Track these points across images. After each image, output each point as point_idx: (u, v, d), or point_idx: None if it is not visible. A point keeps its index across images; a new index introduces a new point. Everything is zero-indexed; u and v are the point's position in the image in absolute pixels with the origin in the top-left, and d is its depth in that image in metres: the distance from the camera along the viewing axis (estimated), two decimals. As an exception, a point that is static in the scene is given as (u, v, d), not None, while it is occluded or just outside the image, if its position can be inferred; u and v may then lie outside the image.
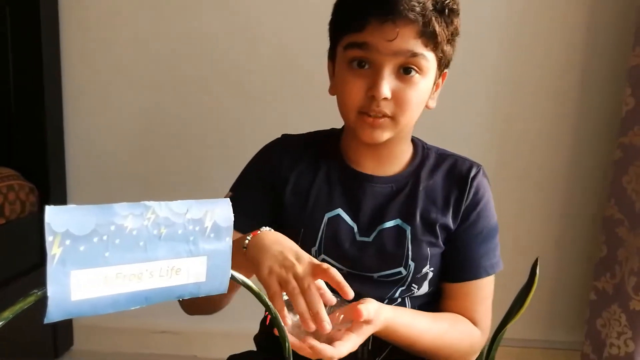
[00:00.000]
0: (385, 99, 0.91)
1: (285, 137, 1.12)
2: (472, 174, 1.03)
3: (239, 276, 0.48)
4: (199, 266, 0.46)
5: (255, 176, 1.07)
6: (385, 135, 0.95)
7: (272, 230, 0.87)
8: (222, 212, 0.46)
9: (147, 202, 0.42)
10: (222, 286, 0.47)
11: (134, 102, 2.04)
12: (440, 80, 1.01)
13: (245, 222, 1.01)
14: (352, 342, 0.80)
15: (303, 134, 1.12)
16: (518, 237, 2.04)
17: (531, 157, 2.02)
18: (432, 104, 1.01)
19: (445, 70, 1.00)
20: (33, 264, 1.79)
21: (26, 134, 1.94)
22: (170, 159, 2.06)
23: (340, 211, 1.01)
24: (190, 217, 0.45)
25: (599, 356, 1.83)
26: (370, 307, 0.83)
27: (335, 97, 1.00)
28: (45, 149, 1.94)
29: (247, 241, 0.84)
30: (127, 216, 0.41)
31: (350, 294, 0.77)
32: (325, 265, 0.78)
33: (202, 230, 0.45)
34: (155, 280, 0.44)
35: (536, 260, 1.59)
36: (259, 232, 0.85)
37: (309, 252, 1.00)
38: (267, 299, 0.50)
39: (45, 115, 1.92)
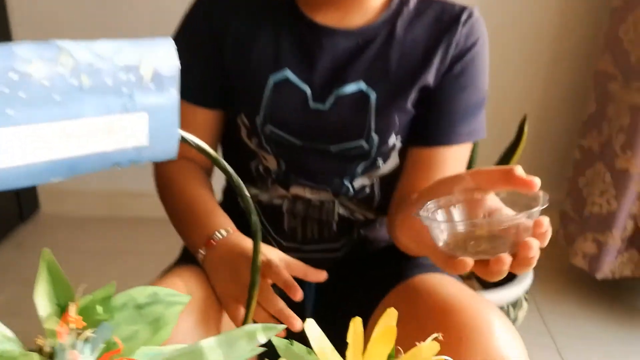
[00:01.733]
0: None
1: None
2: (463, 17, 0.85)
3: (192, 138, 0.39)
4: (139, 125, 0.36)
5: (191, 33, 0.89)
6: None
7: (225, 235, 0.79)
8: (163, 56, 0.36)
9: (59, 42, 0.32)
10: (169, 150, 0.38)
11: None
12: None
13: (193, 91, 0.87)
14: None
15: None
16: (504, 90, 1.97)
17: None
18: None
19: None
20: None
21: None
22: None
23: (288, 72, 0.84)
24: (122, 64, 0.34)
25: (580, 214, 1.82)
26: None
27: None
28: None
29: (201, 256, 0.80)
30: (32, 61, 0.31)
31: (298, 295, 0.70)
32: (274, 266, 0.72)
33: (139, 80, 0.35)
34: (83, 145, 0.35)
35: (524, 118, 1.52)
36: (212, 240, 0.79)
37: (253, 122, 0.86)
38: (226, 165, 0.41)
39: None
